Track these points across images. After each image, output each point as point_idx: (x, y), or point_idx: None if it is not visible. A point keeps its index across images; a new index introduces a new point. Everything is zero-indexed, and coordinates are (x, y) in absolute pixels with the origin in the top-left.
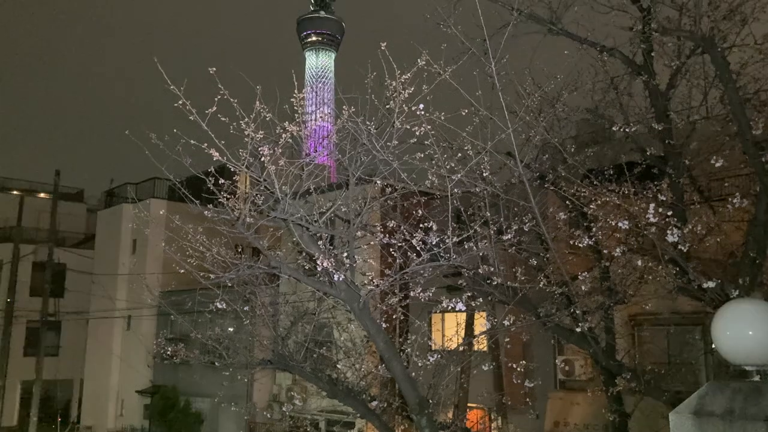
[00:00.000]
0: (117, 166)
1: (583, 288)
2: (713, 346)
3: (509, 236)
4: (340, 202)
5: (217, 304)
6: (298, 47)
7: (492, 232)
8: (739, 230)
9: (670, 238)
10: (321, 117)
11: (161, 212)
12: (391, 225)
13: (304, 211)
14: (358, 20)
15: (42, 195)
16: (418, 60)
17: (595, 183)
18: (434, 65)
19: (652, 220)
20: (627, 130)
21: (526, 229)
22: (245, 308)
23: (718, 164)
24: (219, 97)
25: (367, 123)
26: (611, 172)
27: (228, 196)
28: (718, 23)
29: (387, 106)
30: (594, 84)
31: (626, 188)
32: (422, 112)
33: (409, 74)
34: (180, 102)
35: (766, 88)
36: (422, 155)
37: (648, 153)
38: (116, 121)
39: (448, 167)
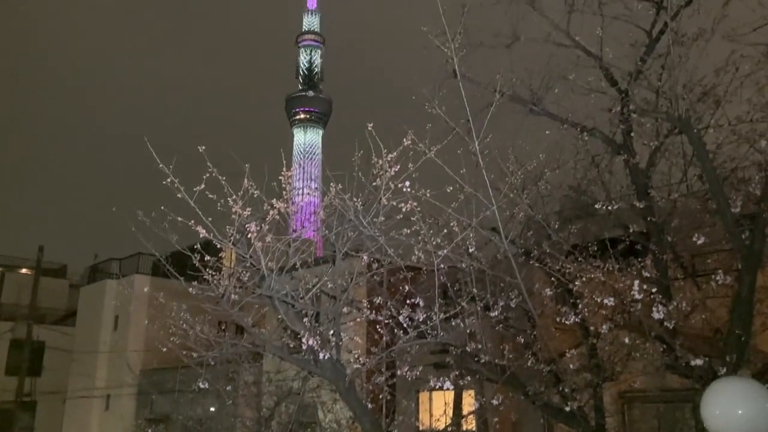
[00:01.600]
0: (102, 241)
1: (571, 366)
2: (704, 424)
3: (496, 313)
4: (326, 277)
5: (200, 383)
6: (286, 124)
7: (479, 308)
8: (723, 306)
9: (656, 315)
10: (308, 193)
11: (145, 289)
12: (378, 301)
13: (290, 288)
14: (346, 97)
15: (24, 270)
16: (404, 139)
17: (579, 259)
18: (420, 144)
19: (637, 296)
20: (609, 207)
21: (513, 306)
22: (228, 387)
23: (700, 242)
24: (207, 175)
25: (354, 199)
26: (595, 248)
27: (213, 273)
28: (694, 105)
29: (374, 183)
30: (576, 162)
31: (611, 264)
32: (408, 189)
33: (395, 153)
34: (168, 180)
35: (743, 166)
36: (409, 231)
37: (631, 230)
38: (103, 196)
39: (434, 243)
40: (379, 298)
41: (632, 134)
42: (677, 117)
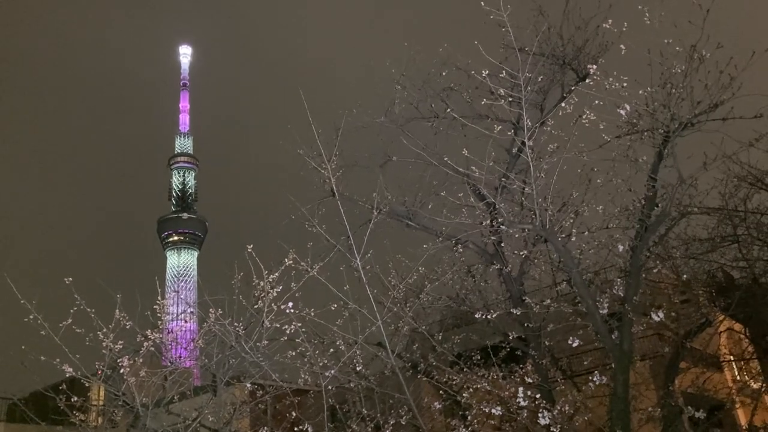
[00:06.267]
0: None
1: None
2: None
3: None
4: (206, 410)
5: None
6: (159, 247)
7: (369, 429)
8: (602, 405)
9: (542, 421)
10: (185, 320)
11: None
12: (263, 431)
13: (167, 424)
14: (224, 217)
15: None
16: (286, 259)
17: (464, 369)
18: (301, 263)
19: (522, 403)
20: (488, 316)
21: (404, 423)
22: None
23: (574, 344)
24: (75, 308)
25: (236, 324)
26: (479, 357)
27: (79, 414)
28: (556, 215)
29: (255, 306)
30: (453, 273)
31: (495, 372)
32: (292, 310)
33: (276, 273)
34: (31, 316)
35: (606, 269)
36: (294, 353)
37: (510, 337)
38: None
39: (321, 364)
40: (265, 428)
41: (503, 245)
42: (541, 227)
